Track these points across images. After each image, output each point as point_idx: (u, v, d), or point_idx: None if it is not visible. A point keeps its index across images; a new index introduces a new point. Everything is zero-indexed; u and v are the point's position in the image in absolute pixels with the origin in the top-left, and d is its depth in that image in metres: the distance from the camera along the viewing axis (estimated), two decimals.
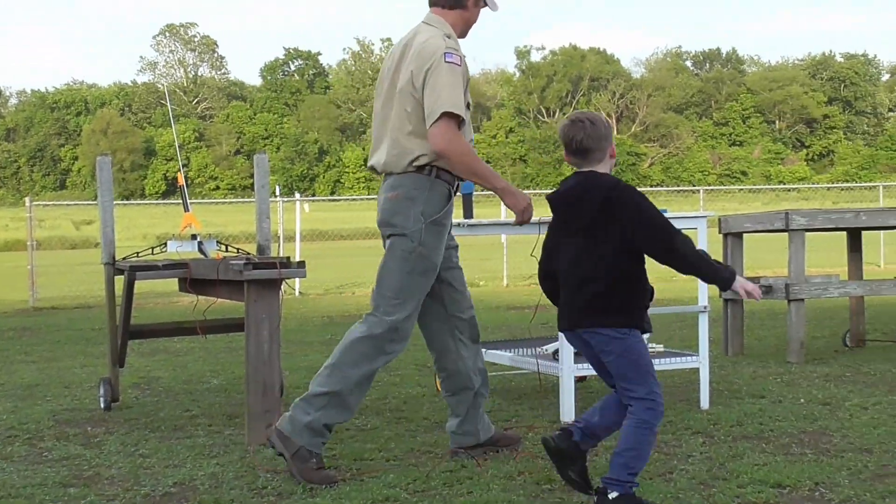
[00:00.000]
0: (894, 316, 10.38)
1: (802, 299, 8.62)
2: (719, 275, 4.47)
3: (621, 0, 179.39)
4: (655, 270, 16.79)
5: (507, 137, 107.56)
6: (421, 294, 5.34)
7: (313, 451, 5.13)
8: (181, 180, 7.75)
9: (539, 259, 4.79)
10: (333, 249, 36.98)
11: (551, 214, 4.72)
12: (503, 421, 6.43)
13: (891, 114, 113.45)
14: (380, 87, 5.51)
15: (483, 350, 7.27)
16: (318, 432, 5.17)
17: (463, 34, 5.51)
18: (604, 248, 4.45)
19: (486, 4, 5.53)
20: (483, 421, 5.65)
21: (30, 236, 18.88)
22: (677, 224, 6.90)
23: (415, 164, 5.26)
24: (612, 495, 4.42)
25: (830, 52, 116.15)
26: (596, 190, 4.50)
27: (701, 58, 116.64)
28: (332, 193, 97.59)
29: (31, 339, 12.30)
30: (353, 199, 60.06)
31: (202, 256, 7.08)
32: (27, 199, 19.95)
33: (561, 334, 5.54)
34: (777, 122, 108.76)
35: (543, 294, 4.80)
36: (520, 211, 5.46)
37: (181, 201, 7.64)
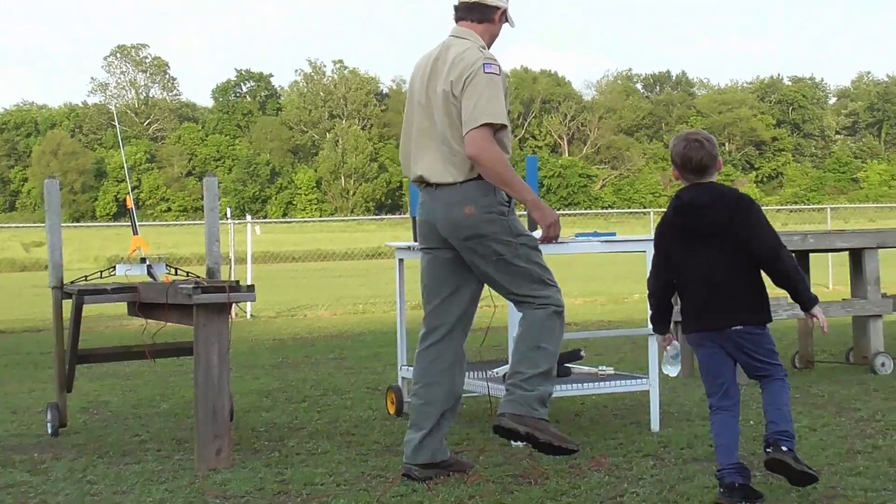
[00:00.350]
0: (843, 337, 10.45)
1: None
2: (807, 294, 5.09)
3: (572, 23, 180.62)
4: (608, 292, 16.90)
5: None
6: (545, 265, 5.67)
7: (548, 420, 5.47)
8: (130, 203, 7.73)
9: (654, 266, 5.27)
10: (285, 271, 36.81)
11: (674, 222, 5.13)
12: (454, 444, 6.40)
13: (838, 136, 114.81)
14: (411, 102, 5.72)
15: None
16: (545, 403, 5.48)
17: (488, 47, 5.68)
18: (740, 253, 5.00)
19: (507, 20, 5.73)
20: (442, 443, 5.69)
21: None
22: (629, 246, 6.96)
23: (475, 170, 5.46)
24: (786, 447, 4.91)
25: (779, 75, 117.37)
26: (727, 198, 5.04)
27: (651, 80, 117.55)
28: (285, 215, 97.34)
29: None
30: (306, 221, 60.00)
31: (151, 280, 7.05)
32: None
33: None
34: (727, 144, 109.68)
35: (652, 302, 5.31)
36: (546, 226, 5.59)
37: (131, 223, 7.61)
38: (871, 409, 7.17)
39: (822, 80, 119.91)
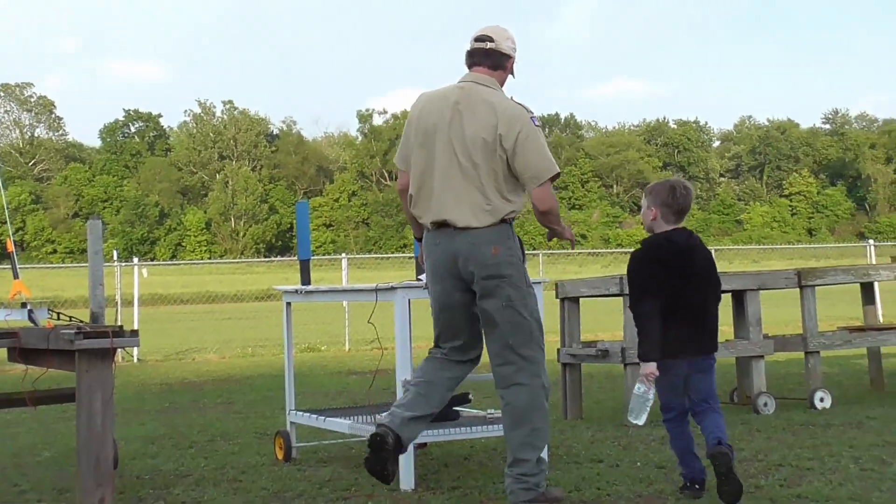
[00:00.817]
0: (727, 377, 10.56)
1: (637, 363, 8.77)
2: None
3: (456, 65, 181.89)
4: None
5: (349, 200, 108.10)
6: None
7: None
8: (10, 247, 7.57)
9: (646, 292, 5.73)
10: (174, 314, 36.42)
11: (669, 260, 5.78)
12: (343, 490, 6.36)
13: (722, 179, 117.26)
14: (430, 141, 5.73)
15: (322, 418, 7.28)
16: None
17: None
18: (713, 291, 5.86)
19: (512, 72, 5.90)
20: (415, 434, 5.80)
21: None
22: None
23: (505, 217, 5.60)
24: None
25: (664, 118, 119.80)
26: (702, 243, 5.97)
27: (541, 123, 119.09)
28: (174, 257, 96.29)
29: None
30: (194, 263, 59.40)
31: (32, 325, 6.90)
32: None
33: None
34: (615, 185, 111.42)
35: (649, 325, 5.73)
36: (567, 239, 5.99)
37: (12, 267, 7.47)
38: (754, 449, 7.26)
39: (707, 123, 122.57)
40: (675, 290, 5.69)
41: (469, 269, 5.60)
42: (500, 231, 5.60)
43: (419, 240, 5.97)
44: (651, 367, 5.65)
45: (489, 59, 5.77)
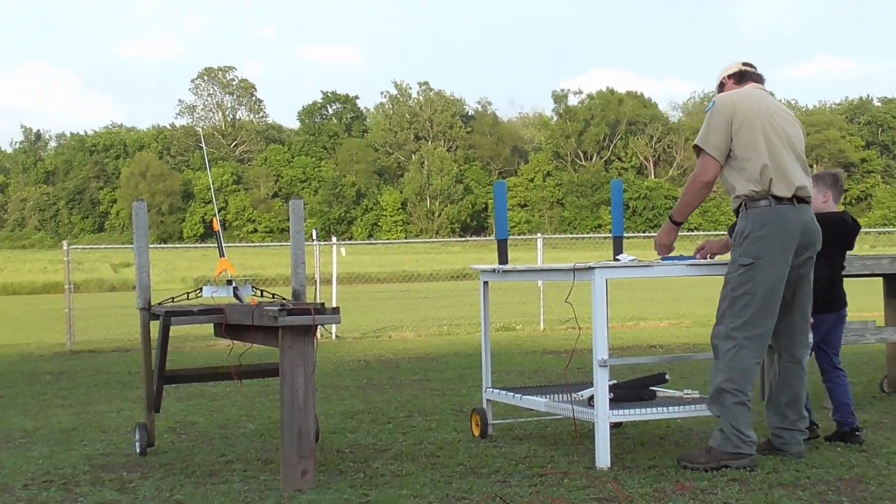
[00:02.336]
0: None
1: None
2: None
3: (658, 46, 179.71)
4: (693, 315, 16.71)
5: (544, 181, 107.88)
6: None
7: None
8: (216, 226, 7.79)
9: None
10: (370, 292, 37.06)
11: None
12: (538, 467, 6.41)
13: None
14: (766, 121, 6.42)
15: (518, 396, 7.34)
16: None
17: None
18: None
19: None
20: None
21: (67, 279, 19.00)
22: (714, 269, 6.89)
23: None
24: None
25: (868, 96, 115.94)
26: None
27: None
28: (370, 236, 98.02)
29: (67, 383, 12.38)
30: (391, 243, 60.22)
31: (237, 302, 7.10)
32: (65, 242, 20.07)
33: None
34: (815, 165, 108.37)
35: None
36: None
37: (217, 246, 7.69)
38: None
39: None
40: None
41: (815, 243, 6.54)
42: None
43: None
44: None
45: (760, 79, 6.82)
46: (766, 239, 6.27)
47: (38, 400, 10.75)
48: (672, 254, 6.89)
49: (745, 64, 6.75)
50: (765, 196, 6.31)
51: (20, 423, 9.11)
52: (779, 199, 6.31)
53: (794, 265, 6.36)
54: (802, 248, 6.39)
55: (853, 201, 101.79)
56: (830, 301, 7.05)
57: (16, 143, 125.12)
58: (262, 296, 7.22)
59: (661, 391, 7.18)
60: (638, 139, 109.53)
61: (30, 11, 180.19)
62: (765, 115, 6.42)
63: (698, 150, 6.52)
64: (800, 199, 6.38)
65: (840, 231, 7.03)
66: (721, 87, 6.77)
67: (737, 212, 6.50)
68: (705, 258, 6.89)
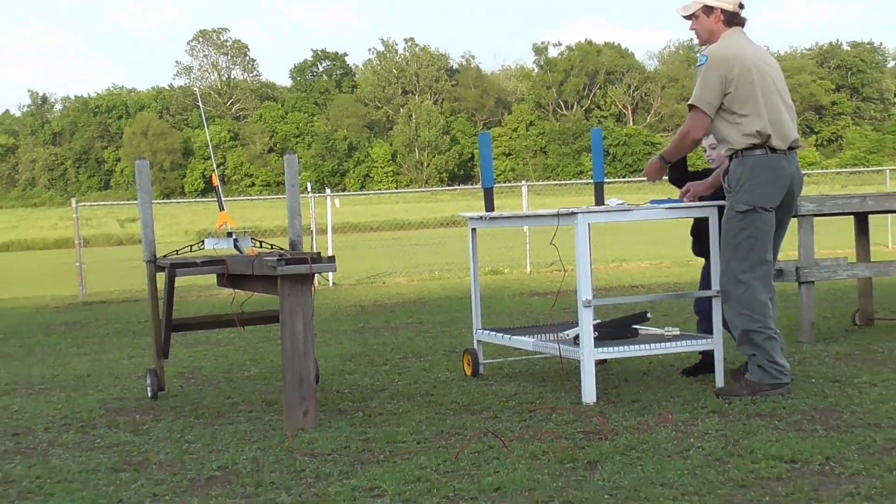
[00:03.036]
0: None
1: (812, 282, 8.82)
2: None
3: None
4: (673, 256, 17.03)
5: (527, 130, 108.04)
6: None
7: None
8: (216, 181, 7.98)
9: None
10: (364, 241, 37.12)
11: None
12: (527, 403, 6.58)
13: None
14: (761, 75, 6.53)
15: (507, 336, 7.54)
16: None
17: None
18: None
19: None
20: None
21: (77, 235, 19.33)
22: (694, 212, 7.08)
23: None
24: None
25: (837, 41, 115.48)
26: None
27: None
28: (362, 188, 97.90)
29: (81, 333, 12.68)
30: (382, 193, 60.23)
31: (238, 253, 7.25)
32: (73, 200, 20.55)
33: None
34: None
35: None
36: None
37: (217, 200, 7.86)
38: None
39: (881, 44, 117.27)
40: None
41: (800, 190, 6.74)
42: None
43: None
44: None
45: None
46: (762, 187, 6.42)
47: (55, 349, 11.03)
48: (661, 198, 7.08)
49: (740, 6, 6.65)
50: (761, 146, 6.45)
51: (39, 370, 9.38)
52: (774, 150, 6.47)
53: (777, 209, 6.52)
54: (789, 195, 6.57)
55: (825, 143, 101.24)
56: None
57: (24, 106, 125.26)
58: (261, 247, 7.34)
59: (644, 329, 7.39)
60: (616, 88, 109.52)
61: None
62: (759, 69, 6.49)
63: (692, 106, 6.57)
64: (791, 148, 6.56)
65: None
66: (709, 10, 6.63)
67: (729, 157, 6.59)
68: (692, 201, 6.97)
